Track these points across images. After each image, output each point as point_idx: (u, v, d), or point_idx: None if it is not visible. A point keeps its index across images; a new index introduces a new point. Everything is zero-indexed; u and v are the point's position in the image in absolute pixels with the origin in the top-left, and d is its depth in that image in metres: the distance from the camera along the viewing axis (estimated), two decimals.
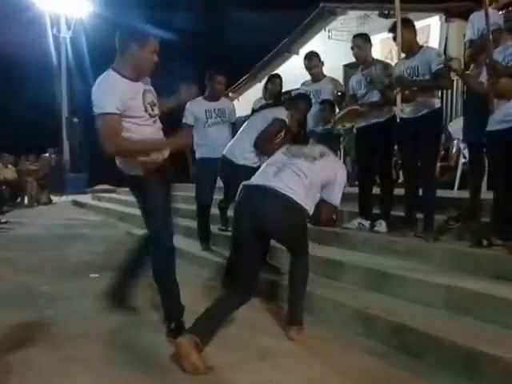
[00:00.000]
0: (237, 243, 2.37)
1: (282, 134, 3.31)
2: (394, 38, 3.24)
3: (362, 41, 3.61)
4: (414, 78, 3.19)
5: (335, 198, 2.51)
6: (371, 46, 3.67)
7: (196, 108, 3.94)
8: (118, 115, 2.17)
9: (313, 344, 2.36)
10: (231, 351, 2.23)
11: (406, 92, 3.14)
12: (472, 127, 3.11)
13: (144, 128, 2.30)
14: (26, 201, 10.24)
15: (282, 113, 3.28)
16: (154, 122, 2.39)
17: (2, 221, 7.00)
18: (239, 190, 2.37)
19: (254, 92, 12.02)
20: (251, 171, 2.65)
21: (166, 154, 2.41)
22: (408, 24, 3.25)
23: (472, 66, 3.14)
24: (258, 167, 2.70)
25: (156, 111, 2.39)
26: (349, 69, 9.02)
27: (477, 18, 3.17)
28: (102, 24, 13.81)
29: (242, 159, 3.29)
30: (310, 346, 2.32)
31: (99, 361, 2.13)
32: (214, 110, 3.99)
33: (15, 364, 2.05)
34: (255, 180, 2.38)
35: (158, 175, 2.36)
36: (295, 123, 3.39)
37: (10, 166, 9.70)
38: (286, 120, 3.24)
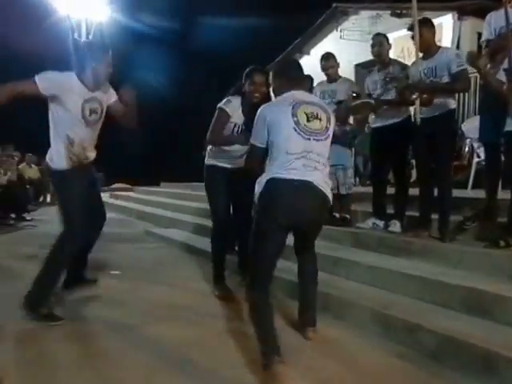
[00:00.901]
0: (265, 237, 2.13)
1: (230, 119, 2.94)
2: (412, 37, 3.18)
3: (384, 39, 3.60)
4: (431, 78, 3.13)
5: None
6: (390, 46, 3.64)
7: None
8: None
9: (328, 344, 2.32)
10: (245, 350, 2.21)
11: (424, 96, 3.09)
12: (489, 126, 3.03)
13: None
14: (48, 199, 10.39)
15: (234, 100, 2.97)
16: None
17: (27, 218, 7.11)
18: (265, 182, 2.11)
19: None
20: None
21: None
22: (427, 23, 3.20)
23: (488, 65, 3.05)
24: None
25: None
26: (360, 69, 8.93)
27: (494, 18, 3.08)
28: (120, 28, 13.94)
29: None
30: (326, 346, 2.29)
31: (123, 356, 2.13)
32: None
33: (39, 358, 2.06)
34: (287, 174, 2.07)
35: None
36: (257, 97, 2.87)
37: (33, 165, 9.83)
38: (224, 107, 2.91)
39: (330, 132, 2.20)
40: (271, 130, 2.11)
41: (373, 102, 3.53)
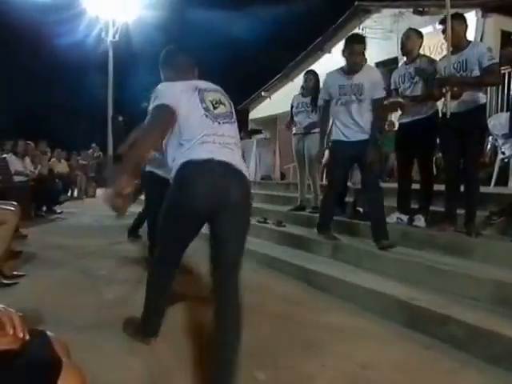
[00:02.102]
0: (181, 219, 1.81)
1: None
2: (443, 31, 3.14)
3: (414, 34, 3.58)
4: (461, 72, 3.09)
5: None
6: (422, 43, 3.61)
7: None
8: None
9: (355, 333, 2.34)
10: (280, 339, 2.25)
11: (455, 89, 3.05)
12: None
13: None
14: (75, 193, 10.63)
15: None
16: None
17: (58, 211, 7.30)
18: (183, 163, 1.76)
19: (286, 91, 11.99)
20: None
21: None
22: (459, 18, 3.16)
23: None
24: None
25: None
26: (381, 66, 8.82)
27: None
28: (146, 29, 14.12)
29: None
30: (353, 335, 2.31)
31: (163, 343, 2.17)
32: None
33: (82, 343, 2.13)
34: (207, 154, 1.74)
35: None
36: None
37: (62, 160, 10.08)
38: None
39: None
40: None
41: (402, 100, 3.48)
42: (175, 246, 1.95)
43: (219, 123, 1.85)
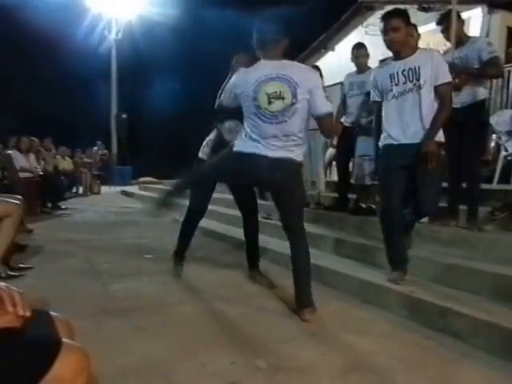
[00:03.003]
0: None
1: None
2: (442, 31, 3.16)
3: (414, 30, 3.55)
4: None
5: None
6: (419, 37, 3.60)
7: None
8: None
9: (357, 324, 2.37)
10: (284, 328, 2.29)
11: (456, 80, 3.05)
12: None
13: None
14: (80, 190, 10.71)
15: None
16: None
17: (63, 207, 7.37)
18: None
19: None
20: None
21: None
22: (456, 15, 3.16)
23: None
24: None
25: None
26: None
27: None
28: (149, 26, 14.16)
29: None
30: (355, 326, 2.34)
31: (167, 330, 2.23)
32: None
33: (87, 331, 2.18)
34: None
35: None
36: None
37: (67, 158, 10.16)
38: None
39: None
40: None
41: None
42: None
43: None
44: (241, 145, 2.35)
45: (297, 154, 2.35)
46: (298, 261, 2.43)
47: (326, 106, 2.27)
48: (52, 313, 1.17)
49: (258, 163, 2.27)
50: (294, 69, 2.29)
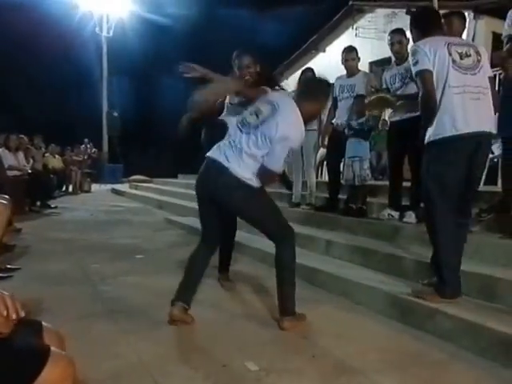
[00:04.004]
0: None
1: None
2: None
3: (403, 36, 3.57)
4: None
5: None
6: (408, 41, 3.61)
7: None
8: None
9: (348, 326, 2.37)
10: (272, 332, 2.28)
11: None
12: (508, 121, 2.99)
13: None
14: (70, 188, 10.57)
15: None
16: None
17: (52, 206, 7.25)
18: None
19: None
20: None
21: None
22: (460, 16, 3.17)
23: (510, 60, 3.02)
24: None
25: None
26: (374, 66, 8.87)
27: None
28: (140, 23, 14.03)
29: None
30: (346, 328, 2.34)
31: (157, 333, 2.20)
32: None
33: (76, 333, 2.13)
34: None
35: None
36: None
37: (57, 156, 10.01)
38: None
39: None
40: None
41: (389, 96, 3.50)
42: None
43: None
44: None
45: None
46: (279, 267, 2.34)
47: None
48: (44, 323, 1.16)
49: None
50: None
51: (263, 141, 2.16)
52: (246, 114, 2.30)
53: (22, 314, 0.99)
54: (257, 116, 2.23)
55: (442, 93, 2.26)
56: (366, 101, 3.66)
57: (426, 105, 2.32)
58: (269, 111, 2.21)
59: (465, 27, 3.22)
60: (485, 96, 2.28)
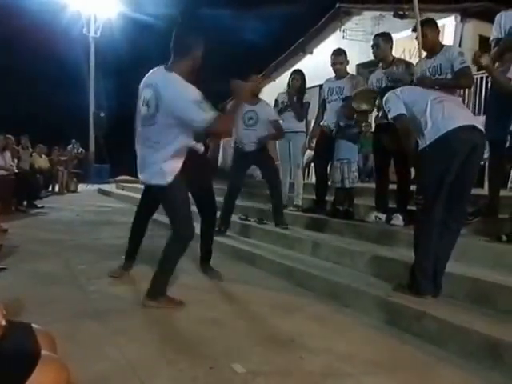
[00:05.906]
0: None
1: None
2: (417, 38, 3.17)
3: (382, 40, 3.56)
4: (437, 76, 3.11)
5: None
6: (392, 45, 3.61)
7: None
8: None
9: (336, 328, 2.35)
10: (260, 334, 2.24)
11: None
12: (495, 124, 3.00)
13: None
14: (56, 188, 10.39)
15: None
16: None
17: (39, 206, 7.11)
18: None
19: (268, 91, 11.89)
20: None
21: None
22: (431, 23, 3.18)
23: (497, 63, 3.04)
24: None
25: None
26: (361, 68, 8.90)
27: (504, 18, 3.04)
28: (128, 24, 13.85)
29: None
30: (334, 330, 2.32)
31: (144, 334, 2.16)
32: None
33: (64, 335, 2.07)
34: None
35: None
36: None
37: (43, 156, 9.83)
38: None
39: None
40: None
41: (375, 90, 3.47)
42: None
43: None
44: None
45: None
46: (162, 254, 2.53)
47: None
48: (34, 325, 1.14)
49: None
50: None
51: (165, 124, 2.25)
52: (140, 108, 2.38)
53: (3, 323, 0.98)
54: (147, 106, 2.28)
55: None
56: (353, 93, 3.64)
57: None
58: (151, 94, 2.28)
59: (439, 31, 3.22)
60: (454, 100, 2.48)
